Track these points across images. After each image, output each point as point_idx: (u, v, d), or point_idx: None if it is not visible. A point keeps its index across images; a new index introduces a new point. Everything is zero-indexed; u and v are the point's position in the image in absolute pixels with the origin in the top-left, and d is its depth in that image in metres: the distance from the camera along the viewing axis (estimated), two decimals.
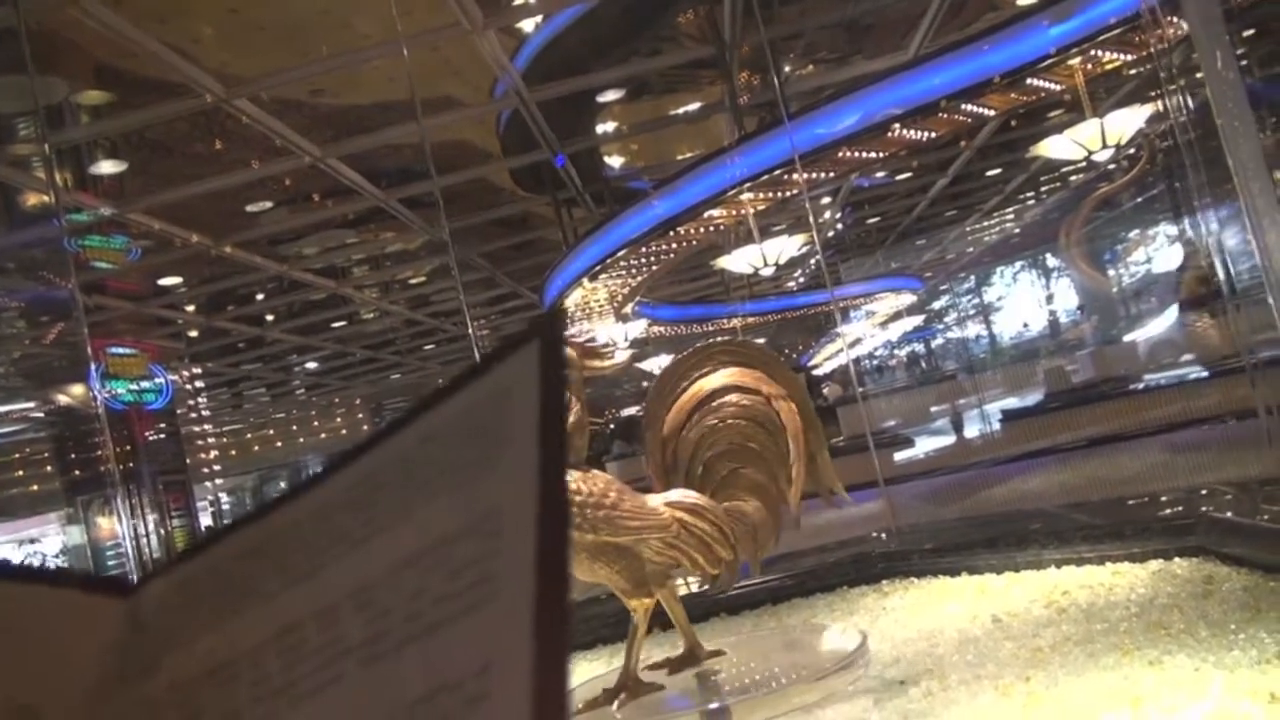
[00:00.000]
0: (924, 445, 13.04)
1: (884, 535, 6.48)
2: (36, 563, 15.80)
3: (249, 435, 24.35)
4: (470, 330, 8.86)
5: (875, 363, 23.21)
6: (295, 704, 0.39)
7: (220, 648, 0.42)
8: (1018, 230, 22.54)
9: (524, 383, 0.41)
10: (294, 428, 25.19)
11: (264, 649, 0.40)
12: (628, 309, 14.53)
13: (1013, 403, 14.22)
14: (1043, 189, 19.47)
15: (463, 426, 0.42)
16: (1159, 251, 19.50)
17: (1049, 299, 22.74)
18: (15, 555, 17.04)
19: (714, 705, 3.69)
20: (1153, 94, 11.62)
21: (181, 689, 0.42)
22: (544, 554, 0.36)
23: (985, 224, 21.35)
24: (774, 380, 3.80)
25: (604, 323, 14.56)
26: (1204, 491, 5.79)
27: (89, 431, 12.98)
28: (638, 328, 15.04)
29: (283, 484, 23.93)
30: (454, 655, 0.36)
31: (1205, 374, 11.47)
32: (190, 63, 7.64)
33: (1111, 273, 20.67)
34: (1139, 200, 18.19)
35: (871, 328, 20.30)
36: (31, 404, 14.59)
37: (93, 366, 11.15)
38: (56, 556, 16.22)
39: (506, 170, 12.04)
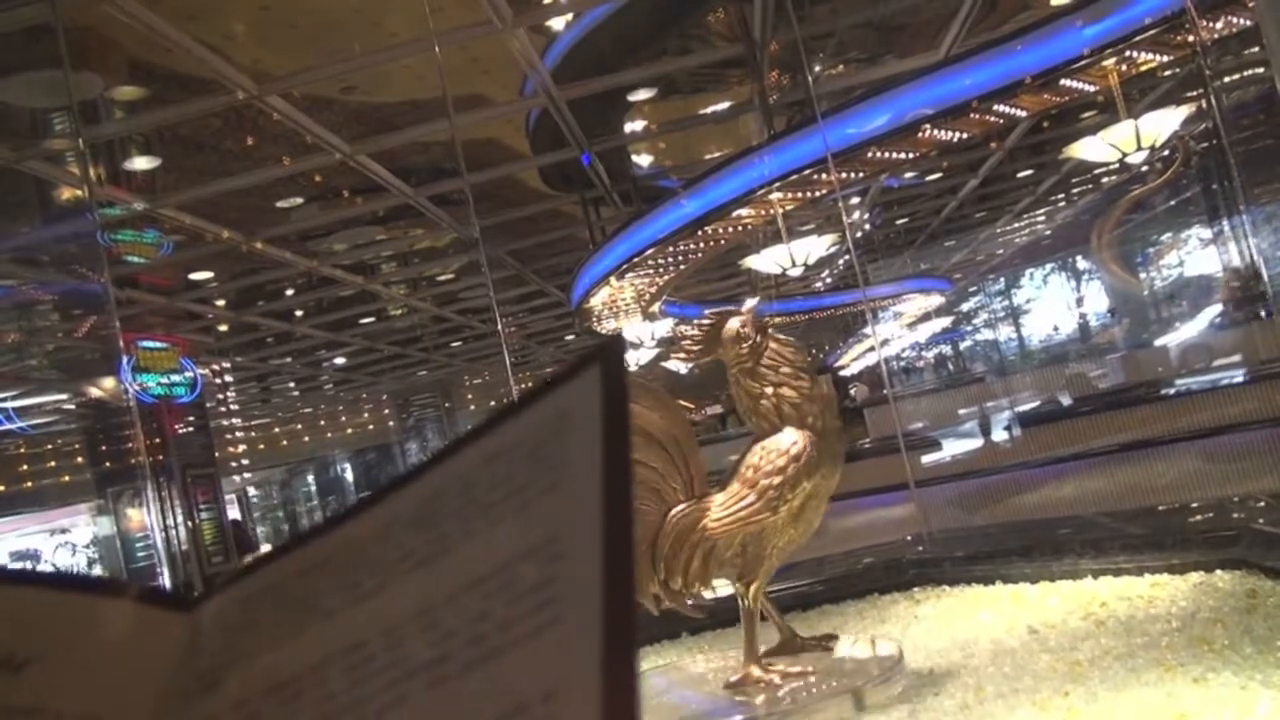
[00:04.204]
0: (952, 448, 12.92)
1: (911, 539, 6.41)
2: (90, 569, 16.00)
3: (277, 430, 24.50)
4: (500, 327, 8.86)
5: (903, 364, 23.06)
6: None
7: (283, 665, 0.42)
8: (1048, 232, 22.34)
9: (587, 406, 0.41)
10: (321, 423, 25.33)
11: (328, 666, 0.40)
12: (655, 308, 14.51)
13: (1042, 406, 14.06)
14: (1074, 191, 19.28)
15: (526, 448, 0.42)
16: (1192, 254, 19.27)
17: (1079, 302, 22.53)
18: (46, 545, 17.22)
19: (739, 716, 3.66)
20: (1189, 94, 11.49)
21: (244, 706, 0.42)
22: (609, 579, 0.36)
23: (1015, 226, 21.17)
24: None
25: (631, 321, 14.54)
26: (1236, 499, 5.70)
27: (120, 424, 13.09)
28: (664, 327, 15.02)
29: (310, 478, 24.07)
30: (519, 679, 0.36)
31: (1241, 379, 11.31)
32: (223, 59, 7.68)
33: (1143, 276, 20.44)
34: (1172, 203, 17.98)
35: (899, 329, 20.17)
36: (64, 396, 14.74)
37: (124, 360, 11.25)
38: (86, 547, 16.40)
39: (535, 169, 12.04)
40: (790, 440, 3.68)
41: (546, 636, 0.36)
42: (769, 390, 3.73)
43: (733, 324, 3.80)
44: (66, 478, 15.98)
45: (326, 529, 0.46)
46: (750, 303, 4.08)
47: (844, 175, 9.72)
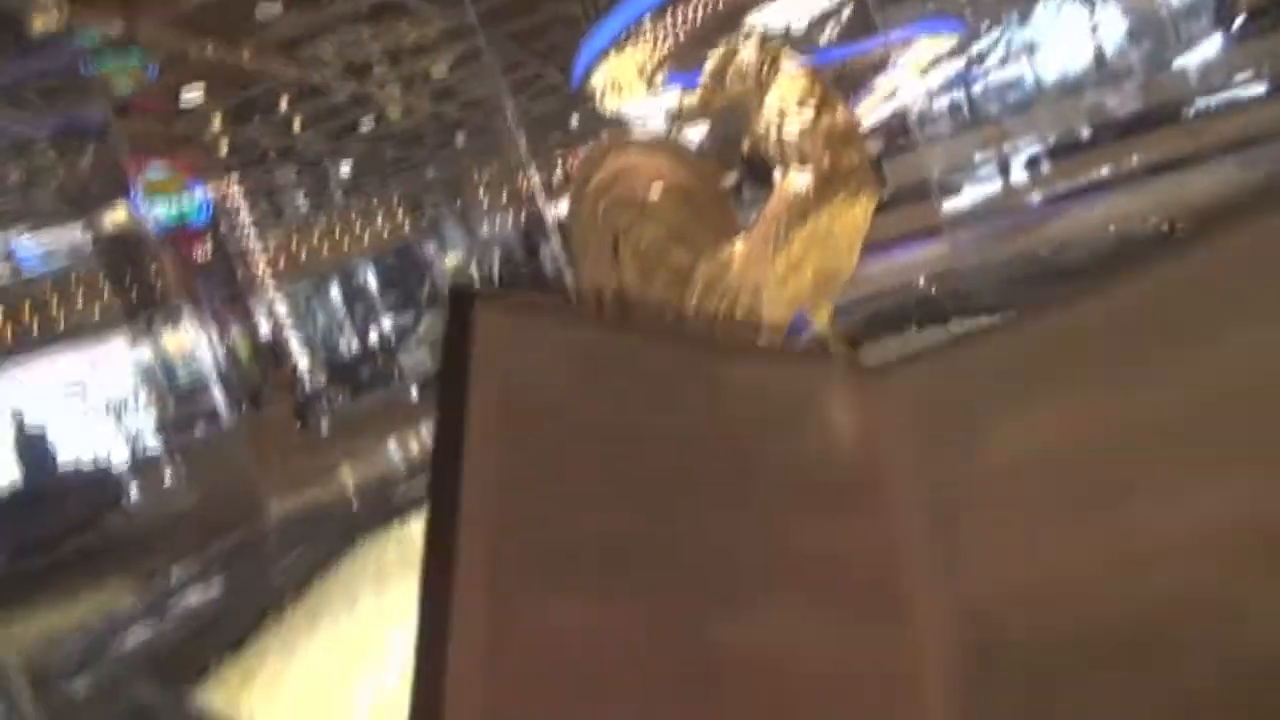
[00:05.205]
0: (973, 192, 12.81)
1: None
2: (136, 394, 16.36)
3: (294, 244, 24.50)
4: (508, 117, 8.67)
5: (917, 113, 22.50)
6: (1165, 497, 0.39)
7: (1032, 433, 0.42)
8: None
9: None
10: (336, 233, 25.24)
11: (1092, 441, 0.41)
12: (658, 80, 14.06)
13: (1063, 139, 13.82)
14: None
15: (1261, 263, 0.41)
16: None
17: (1095, 29, 21.67)
18: (91, 376, 17.61)
19: None
20: None
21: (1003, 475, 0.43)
22: None
23: None
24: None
25: (635, 96, 14.15)
26: None
27: (139, 253, 13.13)
28: (671, 99, 14.62)
29: (335, 289, 24.28)
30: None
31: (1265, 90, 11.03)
32: None
33: None
34: None
35: (911, 76, 19.57)
36: (79, 232, 14.73)
37: (133, 189, 11.17)
38: (131, 376, 16.77)
39: None
40: (787, 182, 3.40)
41: None
42: (774, 127, 3.42)
43: (740, 56, 3.53)
44: (97, 310, 16.24)
45: (1041, 313, 0.46)
46: (759, 29, 3.72)
47: None
